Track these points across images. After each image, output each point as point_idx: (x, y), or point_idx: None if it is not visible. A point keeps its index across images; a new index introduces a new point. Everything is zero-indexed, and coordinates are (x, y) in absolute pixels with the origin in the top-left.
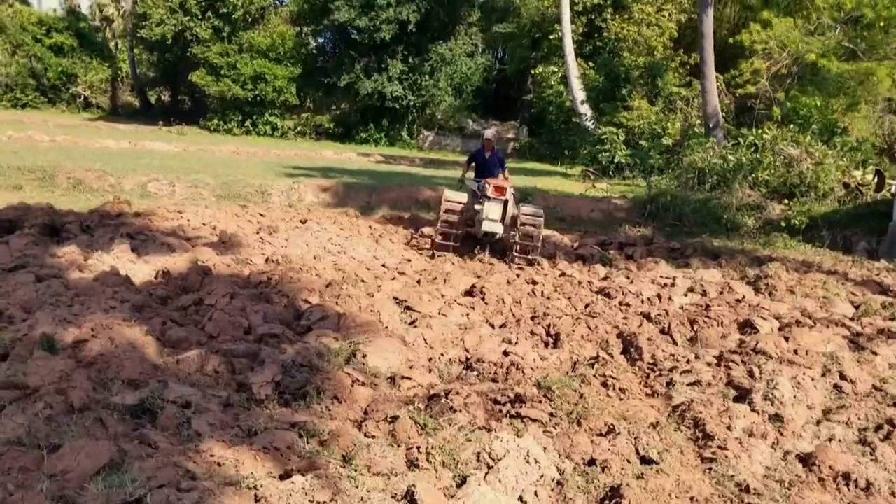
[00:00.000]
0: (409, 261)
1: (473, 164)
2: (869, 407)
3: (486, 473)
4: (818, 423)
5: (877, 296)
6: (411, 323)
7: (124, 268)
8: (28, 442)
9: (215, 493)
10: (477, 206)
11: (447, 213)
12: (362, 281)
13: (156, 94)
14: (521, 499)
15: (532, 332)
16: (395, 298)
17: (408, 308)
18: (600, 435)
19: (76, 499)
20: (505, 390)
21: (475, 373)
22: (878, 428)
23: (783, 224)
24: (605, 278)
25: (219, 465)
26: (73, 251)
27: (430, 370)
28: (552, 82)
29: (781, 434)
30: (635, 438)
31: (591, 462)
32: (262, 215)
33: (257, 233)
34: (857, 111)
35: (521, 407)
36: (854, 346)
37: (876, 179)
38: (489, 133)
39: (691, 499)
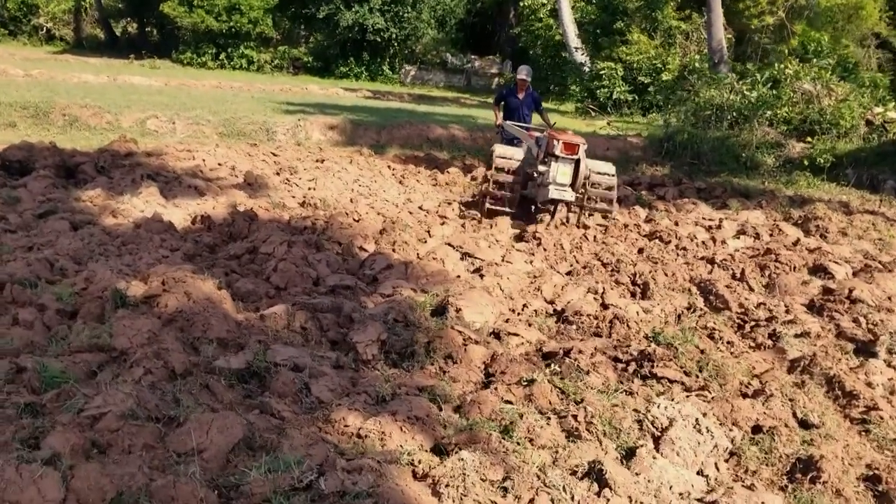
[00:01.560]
0: (450, 204)
1: (503, 104)
2: None
3: (657, 444)
4: None
5: None
6: (475, 271)
7: (158, 213)
8: (141, 414)
9: (384, 473)
10: (542, 168)
11: (501, 172)
12: (408, 226)
13: (121, 26)
14: (700, 472)
15: (617, 282)
16: (450, 245)
17: (467, 255)
18: (748, 397)
19: (237, 485)
20: (622, 347)
21: (574, 326)
22: None
23: (805, 162)
24: (648, 220)
25: (359, 437)
26: (98, 195)
27: (530, 324)
28: (541, 15)
29: None
30: (791, 401)
31: (757, 429)
32: (275, 155)
33: (277, 174)
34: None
35: (650, 366)
36: None
37: None
38: (524, 72)
39: (867, 466)
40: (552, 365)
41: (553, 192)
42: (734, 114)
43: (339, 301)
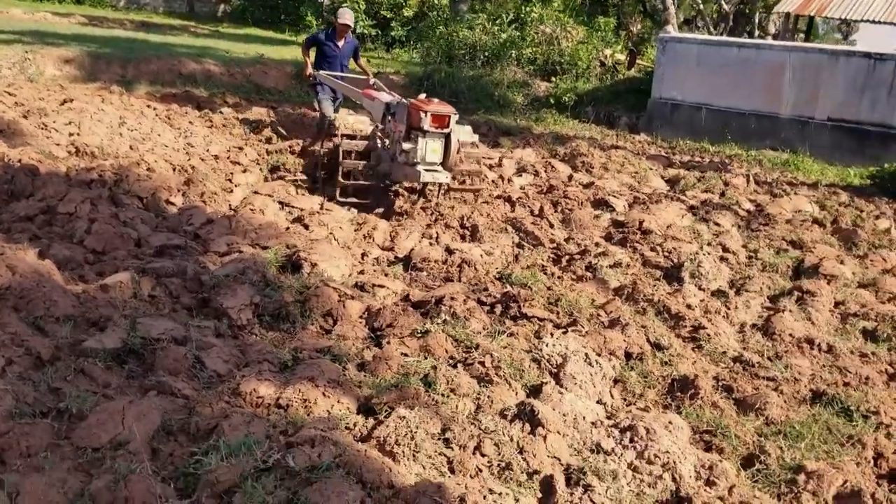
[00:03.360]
0: (241, 149)
1: (315, 52)
2: (765, 276)
3: (558, 380)
4: (737, 294)
5: (679, 170)
6: (295, 220)
7: None
8: (26, 411)
9: (339, 442)
10: (406, 146)
11: (350, 155)
12: (206, 175)
13: None
14: (599, 401)
15: (447, 225)
16: (258, 193)
17: (284, 204)
18: (607, 327)
19: (193, 473)
20: (479, 290)
21: (424, 273)
22: (785, 294)
23: (552, 101)
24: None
25: (279, 407)
26: None
27: (386, 274)
28: None
29: (728, 308)
30: (643, 327)
31: (628, 355)
32: (11, 94)
33: (25, 117)
34: None
35: (517, 307)
36: (696, 218)
37: (629, 58)
38: (348, 16)
39: (714, 378)
40: (429, 314)
41: (426, 176)
42: (486, 54)
43: (181, 264)
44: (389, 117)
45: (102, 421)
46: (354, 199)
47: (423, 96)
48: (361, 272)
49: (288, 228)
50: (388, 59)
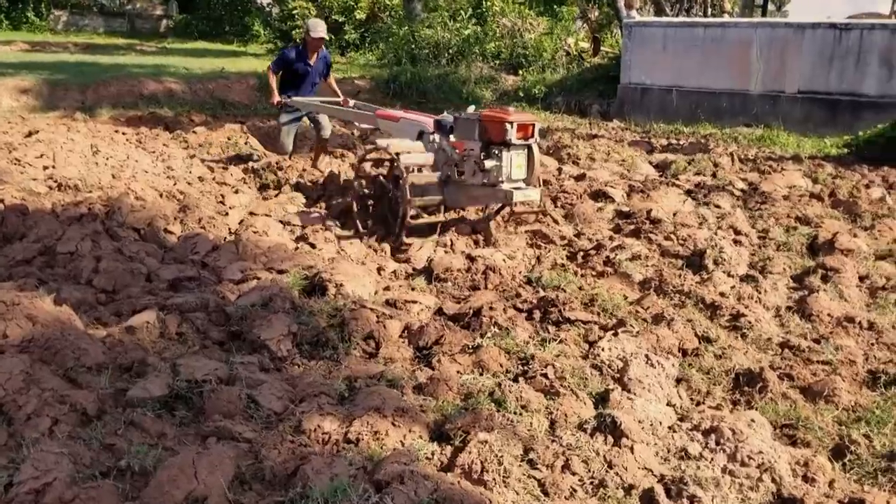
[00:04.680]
0: (226, 168)
1: (285, 72)
2: (782, 255)
3: (624, 386)
4: (759, 275)
5: (665, 154)
6: (300, 239)
7: None
8: (87, 473)
9: (429, 475)
10: (489, 164)
11: (417, 189)
12: (198, 200)
13: None
14: (669, 403)
15: (459, 231)
16: (255, 213)
17: (285, 223)
18: (654, 324)
19: None
20: (511, 296)
21: (449, 283)
22: (810, 273)
23: (521, 94)
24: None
25: (349, 442)
26: None
27: (413, 288)
28: None
29: (759, 293)
30: (688, 321)
31: (683, 352)
32: None
33: None
34: None
35: (557, 311)
36: (696, 202)
37: (593, 45)
38: (321, 28)
39: (771, 367)
40: (471, 326)
41: (518, 195)
42: (450, 51)
43: (202, 297)
44: (436, 135)
45: (173, 476)
46: (416, 238)
47: (471, 109)
48: (387, 288)
49: (297, 248)
50: (344, 62)
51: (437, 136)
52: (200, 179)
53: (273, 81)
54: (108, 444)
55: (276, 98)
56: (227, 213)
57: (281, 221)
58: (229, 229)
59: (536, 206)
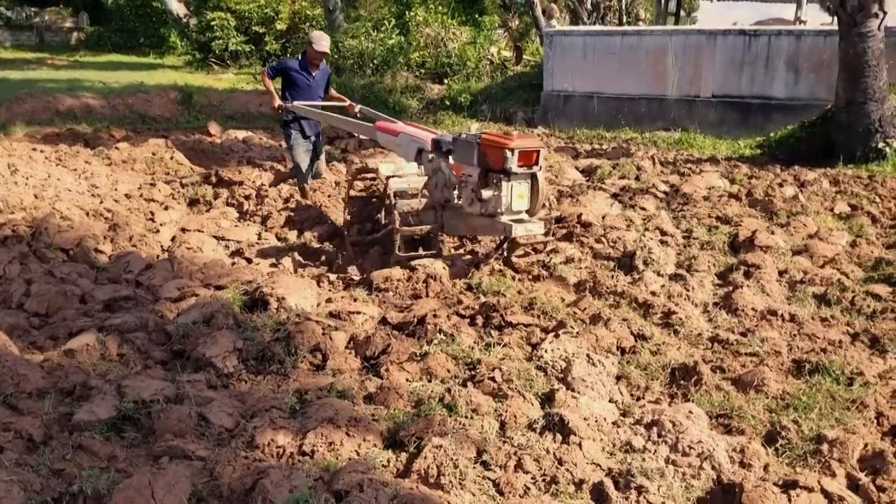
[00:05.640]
0: (153, 185)
1: (286, 80)
2: (706, 254)
3: (568, 385)
4: (686, 273)
5: (590, 159)
6: (235, 253)
7: None
8: (38, 500)
9: (387, 482)
10: (486, 194)
11: (404, 217)
12: (126, 217)
13: None
14: (611, 400)
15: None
16: (187, 229)
17: (219, 238)
18: (592, 325)
19: None
20: (451, 303)
21: (390, 293)
22: (733, 269)
23: (447, 103)
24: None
25: (304, 454)
26: None
27: (355, 298)
28: None
29: (688, 290)
30: (624, 321)
31: (622, 350)
32: None
33: None
34: None
35: (498, 316)
36: (622, 205)
37: (515, 54)
38: (325, 42)
39: (702, 360)
40: (416, 334)
41: (517, 229)
42: (375, 61)
43: (140, 316)
44: (432, 157)
45: (130, 498)
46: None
47: (475, 126)
48: (329, 300)
49: (234, 263)
50: None
51: (434, 156)
52: (127, 196)
53: (270, 86)
54: (58, 470)
55: (277, 102)
56: (158, 231)
57: (215, 237)
58: (162, 246)
59: (540, 240)
